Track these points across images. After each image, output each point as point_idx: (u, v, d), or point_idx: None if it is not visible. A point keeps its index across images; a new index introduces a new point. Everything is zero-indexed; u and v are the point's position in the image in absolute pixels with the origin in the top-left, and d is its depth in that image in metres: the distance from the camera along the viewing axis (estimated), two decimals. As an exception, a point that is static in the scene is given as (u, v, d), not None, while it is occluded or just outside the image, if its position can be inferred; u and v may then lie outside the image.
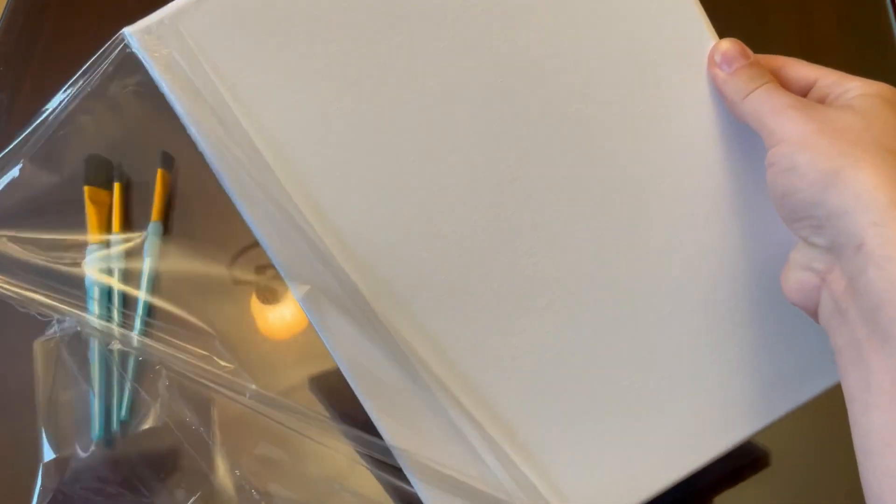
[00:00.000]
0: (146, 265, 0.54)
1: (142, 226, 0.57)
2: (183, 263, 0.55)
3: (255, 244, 0.57)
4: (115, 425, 0.49)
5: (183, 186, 0.59)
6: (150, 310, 0.53)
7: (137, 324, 0.52)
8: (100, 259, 0.54)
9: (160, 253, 0.55)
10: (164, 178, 0.58)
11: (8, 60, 0.67)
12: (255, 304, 0.53)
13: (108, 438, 0.48)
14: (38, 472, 0.47)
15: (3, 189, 0.43)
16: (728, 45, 0.37)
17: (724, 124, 0.38)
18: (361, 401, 0.37)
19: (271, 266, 0.55)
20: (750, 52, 0.37)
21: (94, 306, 0.52)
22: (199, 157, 0.60)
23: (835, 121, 0.33)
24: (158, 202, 0.57)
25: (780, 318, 0.39)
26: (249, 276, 0.54)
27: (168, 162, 0.59)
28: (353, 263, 0.37)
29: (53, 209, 0.58)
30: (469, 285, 0.38)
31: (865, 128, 0.32)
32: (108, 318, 0.52)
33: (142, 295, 0.53)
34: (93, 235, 0.55)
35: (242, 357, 0.51)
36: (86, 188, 0.57)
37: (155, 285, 0.54)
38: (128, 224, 0.57)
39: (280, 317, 0.52)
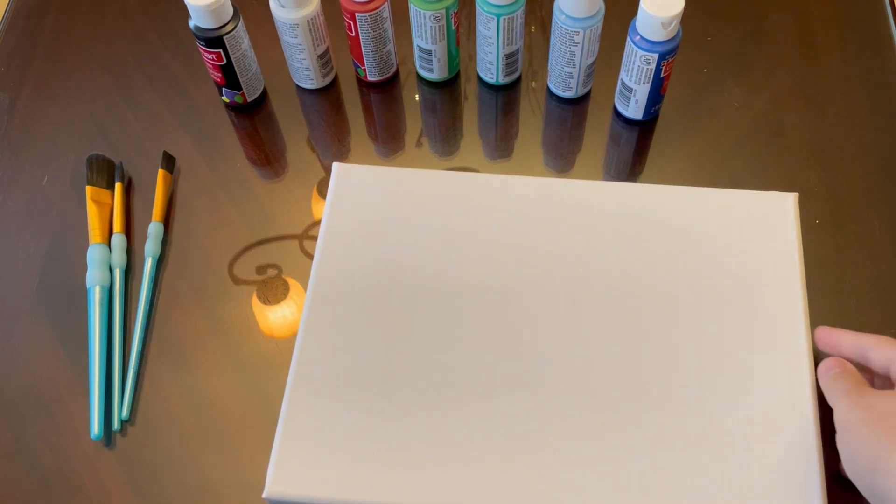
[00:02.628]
0: (147, 265, 0.54)
1: (143, 226, 0.57)
2: (183, 264, 0.55)
3: (255, 244, 0.57)
4: (115, 425, 0.49)
5: (183, 187, 0.59)
6: (151, 311, 0.53)
7: (139, 324, 0.52)
8: (101, 259, 0.54)
9: (161, 253, 0.55)
10: (165, 179, 0.58)
11: (9, 61, 0.67)
12: (256, 304, 0.53)
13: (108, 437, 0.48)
14: (37, 470, 0.47)
15: None
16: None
17: None
18: None
19: (271, 266, 0.55)
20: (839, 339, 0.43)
21: (96, 307, 0.52)
22: (200, 158, 0.60)
23: (880, 406, 0.37)
24: (159, 202, 0.57)
25: None
26: (249, 276, 0.54)
27: (169, 163, 0.59)
28: None
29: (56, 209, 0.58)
30: None
31: None
32: (110, 319, 0.53)
33: (143, 295, 0.53)
34: (94, 235, 0.55)
35: (243, 357, 0.51)
36: (88, 188, 0.57)
37: (156, 285, 0.54)
38: (129, 224, 0.57)
39: (280, 317, 0.52)
